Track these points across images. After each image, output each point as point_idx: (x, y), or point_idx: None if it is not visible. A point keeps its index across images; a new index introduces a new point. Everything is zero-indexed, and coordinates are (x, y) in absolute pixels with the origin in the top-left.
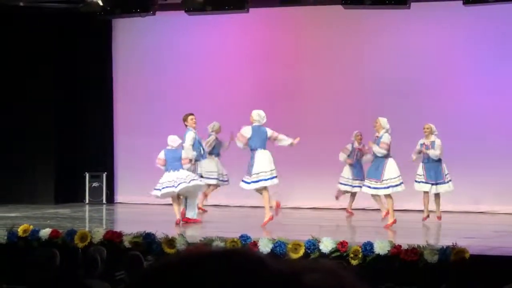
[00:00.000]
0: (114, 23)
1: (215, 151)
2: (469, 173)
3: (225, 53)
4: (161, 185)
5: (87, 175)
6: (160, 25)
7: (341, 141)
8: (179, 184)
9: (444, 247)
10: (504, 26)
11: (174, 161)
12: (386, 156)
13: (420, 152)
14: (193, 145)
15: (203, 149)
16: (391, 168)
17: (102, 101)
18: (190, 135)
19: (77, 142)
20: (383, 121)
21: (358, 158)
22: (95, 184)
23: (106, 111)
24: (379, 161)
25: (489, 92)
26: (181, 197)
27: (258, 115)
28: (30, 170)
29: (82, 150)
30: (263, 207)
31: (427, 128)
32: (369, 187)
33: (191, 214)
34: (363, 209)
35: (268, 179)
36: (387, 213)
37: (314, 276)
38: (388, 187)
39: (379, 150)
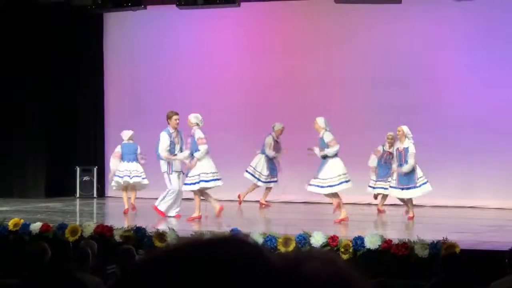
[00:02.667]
0: (105, 17)
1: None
2: (460, 167)
3: (217, 47)
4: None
5: (77, 169)
6: (152, 19)
7: (336, 133)
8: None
9: (435, 241)
10: (496, 21)
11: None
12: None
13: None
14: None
15: (181, 147)
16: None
17: (93, 95)
18: (164, 135)
19: (67, 136)
20: (320, 120)
21: (386, 161)
22: (85, 178)
23: (97, 106)
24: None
25: (484, 87)
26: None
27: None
28: (21, 164)
29: (73, 144)
30: (253, 201)
31: (399, 131)
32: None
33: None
34: (354, 203)
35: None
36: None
37: (313, 265)
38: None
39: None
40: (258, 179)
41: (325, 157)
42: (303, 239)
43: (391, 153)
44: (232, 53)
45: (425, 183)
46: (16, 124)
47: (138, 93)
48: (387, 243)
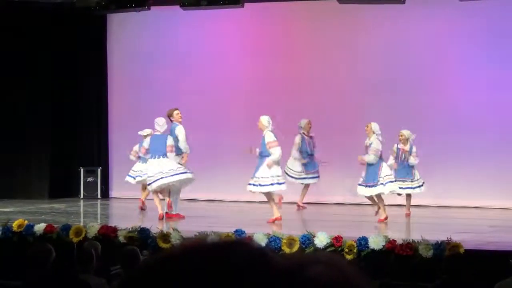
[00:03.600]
0: (109, 18)
1: (303, 150)
2: (464, 168)
3: (220, 47)
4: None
5: (82, 170)
6: (155, 20)
7: (335, 136)
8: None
9: (439, 242)
10: (499, 22)
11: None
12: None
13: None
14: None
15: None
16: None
17: (96, 96)
18: (181, 129)
19: (72, 137)
20: (263, 119)
21: (402, 159)
22: (90, 179)
23: (101, 106)
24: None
25: (488, 86)
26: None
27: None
28: (25, 165)
29: (77, 145)
30: (257, 202)
31: (367, 127)
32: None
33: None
34: (358, 204)
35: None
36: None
37: (317, 268)
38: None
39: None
40: (292, 177)
41: (265, 158)
42: (307, 240)
43: (405, 150)
44: (235, 54)
45: (392, 181)
46: (20, 125)
47: (141, 93)
48: (391, 243)
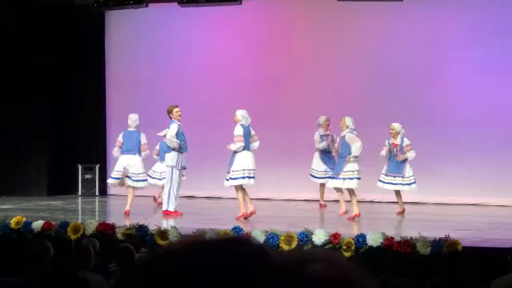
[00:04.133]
0: (107, 15)
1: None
2: (462, 165)
3: (218, 44)
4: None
5: (80, 167)
6: (153, 17)
7: (334, 131)
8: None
9: (437, 239)
10: (497, 20)
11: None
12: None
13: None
14: (177, 136)
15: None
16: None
17: (95, 93)
18: (174, 126)
19: (70, 134)
20: (238, 113)
21: (394, 154)
22: (88, 176)
23: (99, 103)
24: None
25: (484, 85)
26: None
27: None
28: (23, 162)
29: (75, 142)
30: (256, 199)
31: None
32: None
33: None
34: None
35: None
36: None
37: (317, 266)
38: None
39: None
40: (314, 176)
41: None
42: (305, 237)
43: (397, 145)
44: (234, 51)
45: (350, 178)
46: (18, 123)
47: (139, 91)
48: (389, 240)
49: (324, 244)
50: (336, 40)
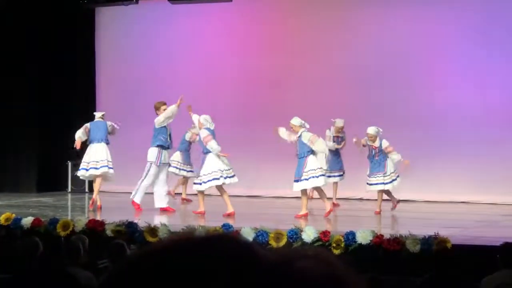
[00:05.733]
0: (97, 12)
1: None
2: (452, 163)
3: (209, 42)
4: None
5: (69, 163)
6: (144, 14)
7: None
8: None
9: (426, 236)
10: (495, 19)
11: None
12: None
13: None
14: (161, 131)
15: (170, 139)
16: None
17: (84, 90)
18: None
19: (59, 130)
20: (200, 118)
21: (373, 156)
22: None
23: (89, 100)
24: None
25: (474, 83)
26: None
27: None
28: (13, 158)
29: (65, 138)
30: (245, 196)
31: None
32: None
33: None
34: (346, 198)
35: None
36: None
37: (305, 263)
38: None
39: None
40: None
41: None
42: (295, 234)
43: (376, 147)
44: (224, 49)
45: (315, 176)
46: (8, 120)
47: (130, 89)
48: (378, 238)
49: (313, 242)
50: (328, 36)
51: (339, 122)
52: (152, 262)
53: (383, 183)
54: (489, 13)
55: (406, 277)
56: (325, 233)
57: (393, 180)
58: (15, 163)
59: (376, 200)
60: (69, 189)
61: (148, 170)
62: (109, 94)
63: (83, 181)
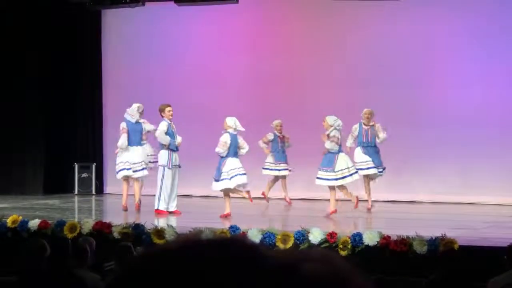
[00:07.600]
0: (103, 14)
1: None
2: (459, 164)
3: (215, 43)
4: None
5: (76, 165)
6: (150, 16)
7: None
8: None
9: (433, 238)
10: (496, 18)
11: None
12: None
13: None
14: (166, 133)
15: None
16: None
17: (91, 91)
18: (162, 124)
19: (66, 132)
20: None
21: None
22: (84, 175)
23: (95, 102)
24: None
25: (480, 83)
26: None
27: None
28: (19, 160)
29: (71, 140)
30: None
31: (367, 113)
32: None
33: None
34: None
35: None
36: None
37: (312, 265)
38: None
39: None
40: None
41: None
42: (302, 236)
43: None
44: (231, 50)
45: (241, 174)
46: (15, 122)
47: (136, 90)
48: (385, 239)
49: (320, 243)
50: (331, 36)
51: (367, 112)
52: (158, 264)
53: (340, 178)
54: (489, 13)
55: (413, 278)
56: (332, 235)
57: (354, 173)
58: (21, 166)
59: (384, 201)
60: (76, 191)
61: (163, 175)
62: (115, 96)
63: (90, 183)
